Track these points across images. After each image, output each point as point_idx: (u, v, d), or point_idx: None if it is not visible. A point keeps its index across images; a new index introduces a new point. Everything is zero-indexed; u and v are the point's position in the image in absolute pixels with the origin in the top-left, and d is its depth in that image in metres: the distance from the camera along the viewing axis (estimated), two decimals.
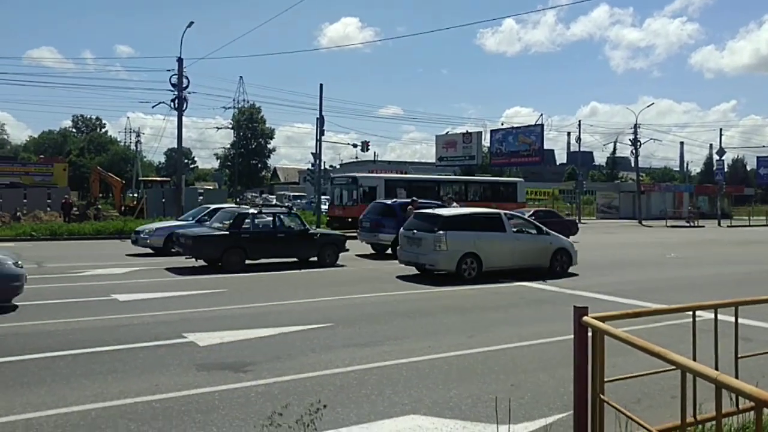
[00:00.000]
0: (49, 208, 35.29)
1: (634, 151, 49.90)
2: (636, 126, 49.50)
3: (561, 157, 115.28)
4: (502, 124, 74.39)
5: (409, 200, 22.32)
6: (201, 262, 15.94)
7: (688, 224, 45.75)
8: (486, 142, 62.62)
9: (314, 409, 4.08)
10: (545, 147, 60.26)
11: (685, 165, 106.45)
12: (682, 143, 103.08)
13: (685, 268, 17.96)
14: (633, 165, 57.80)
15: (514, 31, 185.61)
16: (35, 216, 31.66)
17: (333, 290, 12.66)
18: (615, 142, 75.28)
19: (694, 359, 3.68)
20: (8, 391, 5.96)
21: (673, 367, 2.96)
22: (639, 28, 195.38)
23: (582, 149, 56.84)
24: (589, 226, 43.35)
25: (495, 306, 11.22)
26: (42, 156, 74.61)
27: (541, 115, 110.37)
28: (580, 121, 53.81)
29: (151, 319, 9.46)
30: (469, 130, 61.75)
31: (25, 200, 36.19)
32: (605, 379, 3.53)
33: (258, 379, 6.44)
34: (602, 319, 3.54)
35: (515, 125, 59.81)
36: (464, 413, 5.60)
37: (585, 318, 3.51)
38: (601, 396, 3.47)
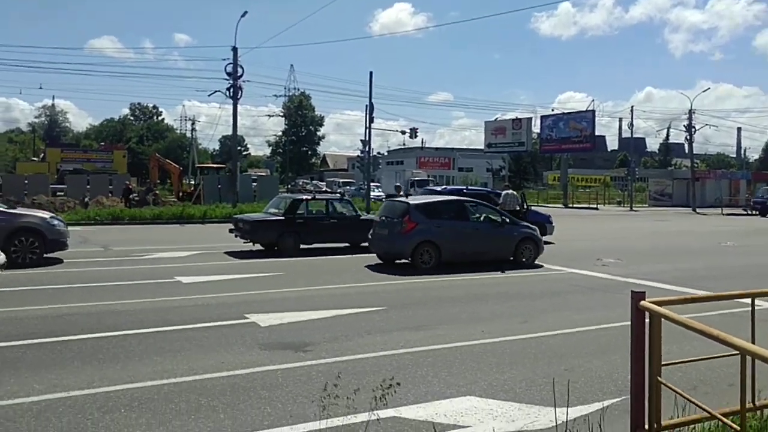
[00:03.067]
0: (110, 194, 36.61)
1: (688, 138, 48.42)
2: (690, 112, 48.07)
3: (613, 144, 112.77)
4: (553, 110, 73.17)
5: (462, 187, 22.43)
6: (258, 246, 16.41)
7: (745, 212, 44.14)
8: (536, 128, 61.80)
9: (386, 386, 4.26)
10: (597, 133, 59.05)
11: (742, 151, 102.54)
12: (739, 129, 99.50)
13: (742, 256, 17.50)
14: (687, 151, 56.11)
15: (570, 15, 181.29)
16: (98, 201, 32.92)
17: (385, 275, 12.90)
18: (668, 129, 73.36)
19: None
20: (86, 367, 6.39)
21: (732, 352, 3.04)
22: (701, 10, 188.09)
23: (635, 135, 55.56)
24: (642, 214, 42.45)
25: (548, 292, 11.25)
26: (103, 143, 77.25)
27: (593, 100, 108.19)
28: (632, 106, 52.59)
29: (213, 300, 9.88)
30: (519, 116, 61.04)
31: (88, 186, 37.63)
32: (662, 363, 3.62)
33: (318, 358, 6.72)
34: (660, 303, 3.63)
35: (566, 111, 58.71)
36: (519, 396, 5.74)
37: (642, 302, 3.60)
38: (659, 378, 3.56)
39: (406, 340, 7.59)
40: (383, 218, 14.73)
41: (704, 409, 3.21)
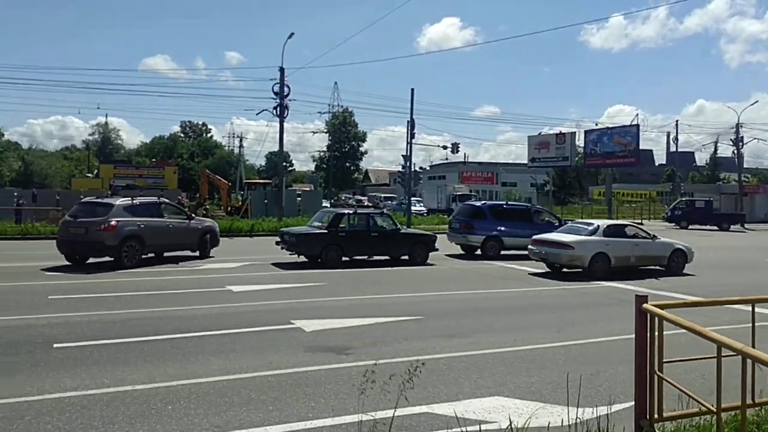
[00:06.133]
0: None
1: (735, 152, 47.60)
2: (738, 125, 47.29)
3: (661, 158, 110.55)
4: (597, 124, 72.56)
5: (502, 202, 22.75)
6: (303, 258, 17.10)
7: None
8: (580, 142, 61.37)
9: (413, 368, 4.73)
10: (644, 147, 58.39)
11: None
12: None
13: None
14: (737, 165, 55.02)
15: (621, 27, 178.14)
16: None
17: (423, 287, 13.36)
18: (716, 142, 71.74)
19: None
20: (147, 365, 7.04)
21: (732, 353, 3.41)
22: (761, 20, 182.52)
23: (684, 149, 54.85)
24: (687, 230, 41.78)
25: (586, 305, 11.54)
26: (154, 160, 79.84)
27: (637, 114, 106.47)
28: (677, 120, 52.17)
29: (262, 307, 10.54)
30: (563, 131, 60.83)
31: None
32: (664, 360, 4.03)
33: (358, 360, 7.24)
34: (662, 306, 4.03)
35: (610, 125, 58.24)
36: (544, 396, 6.14)
37: (645, 305, 4.02)
38: (659, 373, 3.96)
39: (441, 346, 8.05)
40: None
41: (698, 401, 3.58)
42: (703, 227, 42.38)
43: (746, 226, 43.99)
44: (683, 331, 3.76)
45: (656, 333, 3.93)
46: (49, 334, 8.36)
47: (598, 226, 16.29)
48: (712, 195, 57.58)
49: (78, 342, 7.97)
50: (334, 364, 7.13)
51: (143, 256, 16.36)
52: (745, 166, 55.26)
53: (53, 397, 5.85)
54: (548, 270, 16.53)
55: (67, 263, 15.79)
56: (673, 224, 43.27)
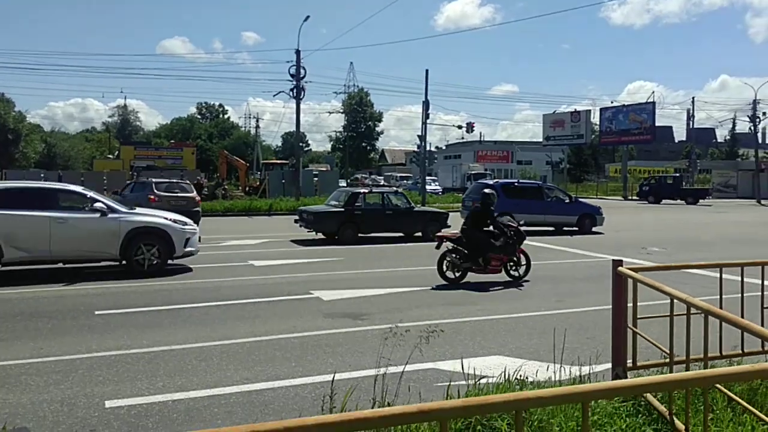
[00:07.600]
0: None
1: (752, 128, 47.57)
2: (755, 101, 47.25)
3: (681, 135, 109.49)
4: (612, 102, 72.21)
5: (513, 181, 23.24)
6: (320, 235, 17.81)
7: None
8: (596, 120, 61.34)
9: (431, 330, 5.35)
10: (665, 124, 58.24)
11: None
12: None
13: None
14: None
15: (643, 3, 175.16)
16: None
17: (435, 260, 13.92)
18: (734, 119, 71.15)
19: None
20: (181, 329, 7.76)
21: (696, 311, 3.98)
22: None
23: (705, 126, 54.70)
24: (702, 206, 41.95)
25: (588, 277, 12.09)
26: (173, 141, 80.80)
27: (653, 92, 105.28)
28: (693, 97, 52.09)
29: (282, 280, 11.24)
30: (578, 109, 60.80)
31: None
32: (638, 317, 4.62)
33: (372, 325, 7.92)
34: (636, 270, 4.62)
35: (626, 103, 58.14)
36: (542, 356, 6.76)
37: (620, 268, 4.61)
38: (634, 328, 4.56)
39: (449, 312, 8.70)
40: None
41: (661, 349, 4.17)
42: (673, 202, 44.74)
43: (707, 200, 46.26)
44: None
45: (629, 292, 4.50)
46: (89, 302, 9.13)
47: None
48: (729, 171, 57.53)
49: (116, 309, 8.72)
50: (351, 327, 7.82)
51: None
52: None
53: (101, 355, 6.59)
54: (554, 246, 17.07)
55: None
56: (643, 200, 45.64)
